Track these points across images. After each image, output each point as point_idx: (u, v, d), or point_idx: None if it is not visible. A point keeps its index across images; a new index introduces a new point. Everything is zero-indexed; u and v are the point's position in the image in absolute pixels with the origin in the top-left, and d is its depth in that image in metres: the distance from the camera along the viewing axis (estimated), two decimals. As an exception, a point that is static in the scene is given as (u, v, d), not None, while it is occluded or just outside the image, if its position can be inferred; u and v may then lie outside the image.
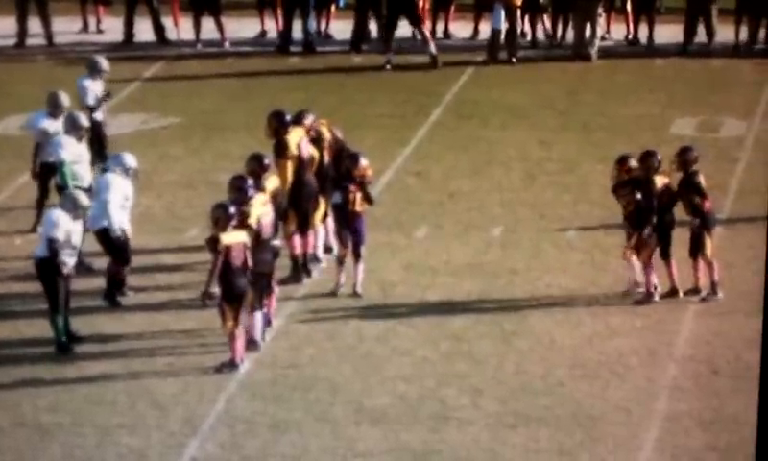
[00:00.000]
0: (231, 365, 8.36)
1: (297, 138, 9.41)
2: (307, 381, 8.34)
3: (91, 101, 10.98)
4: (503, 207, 9.72)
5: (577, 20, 13.72)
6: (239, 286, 8.31)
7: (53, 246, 8.46)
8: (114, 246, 9.07)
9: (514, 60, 13.77)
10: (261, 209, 8.72)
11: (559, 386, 8.23)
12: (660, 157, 9.24)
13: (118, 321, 9.04)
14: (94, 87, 11.05)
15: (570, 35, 14.13)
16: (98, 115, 10.94)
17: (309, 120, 9.71)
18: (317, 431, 7.84)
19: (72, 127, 9.83)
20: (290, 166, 9.27)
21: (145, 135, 12.26)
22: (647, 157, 9.25)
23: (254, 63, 14.04)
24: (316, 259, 9.67)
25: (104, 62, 11.17)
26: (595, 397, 8.11)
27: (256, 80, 13.62)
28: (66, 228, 8.52)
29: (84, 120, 9.95)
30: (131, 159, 9.25)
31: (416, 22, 13.65)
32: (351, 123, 11.39)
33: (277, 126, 9.40)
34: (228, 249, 8.24)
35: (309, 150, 9.49)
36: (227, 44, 14.46)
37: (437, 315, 9.07)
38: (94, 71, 11.09)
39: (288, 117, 9.43)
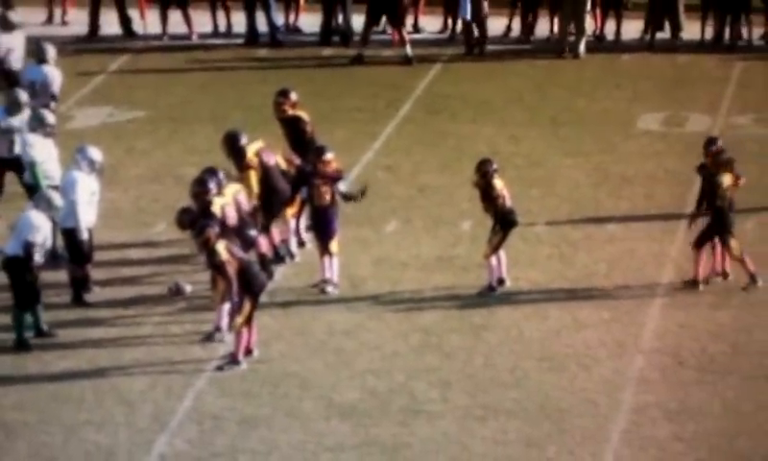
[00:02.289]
0: (233, 362, 8.34)
1: (255, 148, 9.45)
2: (277, 377, 8.37)
3: (56, 88, 10.96)
4: (472, 202, 9.70)
5: (563, 17, 13.78)
6: (261, 278, 8.32)
7: (30, 249, 8.48)
8: (77, 247, 9.07)
9: (476, 51, 13.78)
10: (224, 199, 8.79)
11: (527, 379, 8.33)
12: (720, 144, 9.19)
13: (84, 316, 9.02)
14: (54, 74, 11.01)
15: (539, 30, 14.24)
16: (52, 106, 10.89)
17: (294, 97, 9.85)
18: (286, 426, 7.87)
19: (39, 124, 9.84)
20: (254, 176, 9.31)
21: (111, 129, 12.22)
22: (707, 144, 9.23)
23: (222, 56, 14.02)
24: (290, 254, 9.68)
25: (51, 50, 11.11)
26: (563, 389, 8.22)
27: (224, 73, 13.61)
28: (44, 231, 8.57)
29: (50, 118, 9.96)
30: (96, 153, 9.24)
31: (396, 23, 13.71)
32: (321, 117, 11.42)
33: (231, 145, 9.39)
34: (229, 252, 8.21)
35: (274, 158, 9.53)
36: (194, 37, 14.44)
37: (406, 309, 9.15)
38: (45, 58, 11.01)
39: (244, 139, 9.39)
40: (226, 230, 8.61)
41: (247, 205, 9.06)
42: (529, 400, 8.09)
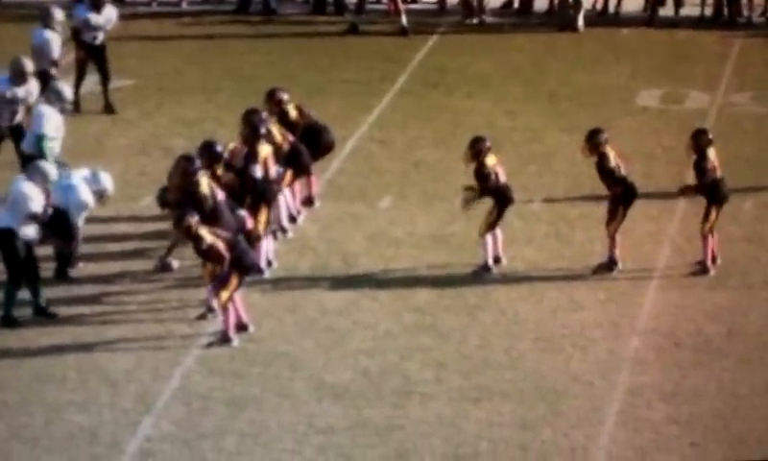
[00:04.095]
0: (224, 339, 8.22)
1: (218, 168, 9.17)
2: (267, 356, 8.22)
3: (56, 54, 10.85)
4: (468, 178, 9.51)
5: None
6: (250, 254, 8.20)
7: (31, 221, 8.30)
8: (66, 226, 8.88)
9: (476, 21, 13.54)
10: (207, 179, 8.65)
11: (522, 360, 8.21)
12: (606, 136, 9.18)
13: (67, 292, 8.83)
14: (55, 39, 10.90)
15: (539, 3, 14.07)
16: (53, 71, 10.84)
17: (280, 96, 9.76)
18: (276, 407, 7.73)
19: (57, 99, 9.69)
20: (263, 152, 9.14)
21: (97, 98, 11.93)
22: (594, 134, 9.21)
23: (213, 24, 13.78)
24: (282, 230, 9.58)
25: (59, 13, 10.96)
26: (558, 370, 8.11)
27: (214, 42, 13.38)
28: (40, 201, 8.40)
29: (69, 93, 9.82)
30: (109, 183, 9.02)
31: None
32: (314, 89, 11.24)
33: (209, 157, 9.05)
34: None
35: (273, 138, 9.42)
36: (184, 4, 14.24)
37: (400, 288, 9.01)
38: (50, 23, 10.89)
39: (220, 148, 9.08)
40: (216, 209, 8.40)
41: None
42: (524, 381, 7.98)
